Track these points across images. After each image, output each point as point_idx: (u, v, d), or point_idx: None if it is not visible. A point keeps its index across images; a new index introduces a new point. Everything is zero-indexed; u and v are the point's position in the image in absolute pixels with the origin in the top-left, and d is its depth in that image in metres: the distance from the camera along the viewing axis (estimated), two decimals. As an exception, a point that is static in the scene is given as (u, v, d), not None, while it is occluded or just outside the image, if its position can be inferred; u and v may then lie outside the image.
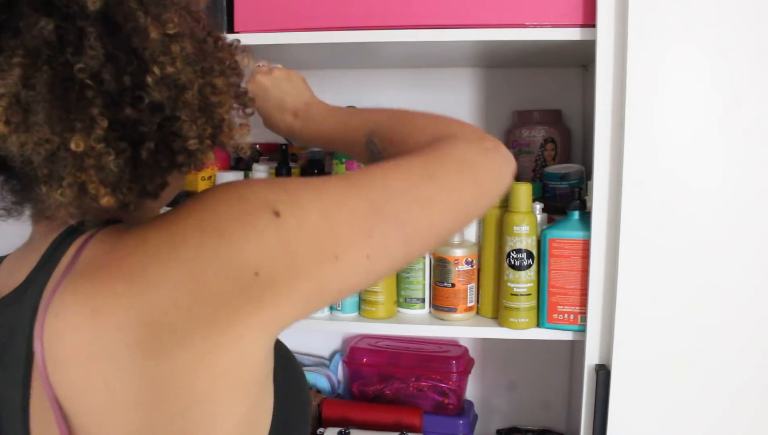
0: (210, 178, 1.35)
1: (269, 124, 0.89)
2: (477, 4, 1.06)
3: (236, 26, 1.14)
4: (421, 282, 1.17)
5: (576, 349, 1.36)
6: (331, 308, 1.17)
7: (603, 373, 1.02)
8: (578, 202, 1.07)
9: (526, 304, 1.09)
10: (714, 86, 0.96)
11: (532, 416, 1.51)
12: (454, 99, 1.49)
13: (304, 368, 1.51)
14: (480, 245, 1.14)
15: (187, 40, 0.51)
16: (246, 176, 1.36)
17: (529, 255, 1.07)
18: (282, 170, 1.36)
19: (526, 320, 1.09)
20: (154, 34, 0.48)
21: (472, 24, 1.06)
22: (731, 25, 0.93)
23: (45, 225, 0.55)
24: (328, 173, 1.39)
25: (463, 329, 1.12)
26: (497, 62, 1.42)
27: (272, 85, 0.90)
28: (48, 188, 0.48)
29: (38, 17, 0.45)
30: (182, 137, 0.51)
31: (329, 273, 0.51)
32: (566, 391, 1.49)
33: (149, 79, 0.48)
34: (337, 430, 1.32)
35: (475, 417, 1.46)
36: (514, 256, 1.07)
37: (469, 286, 1.12)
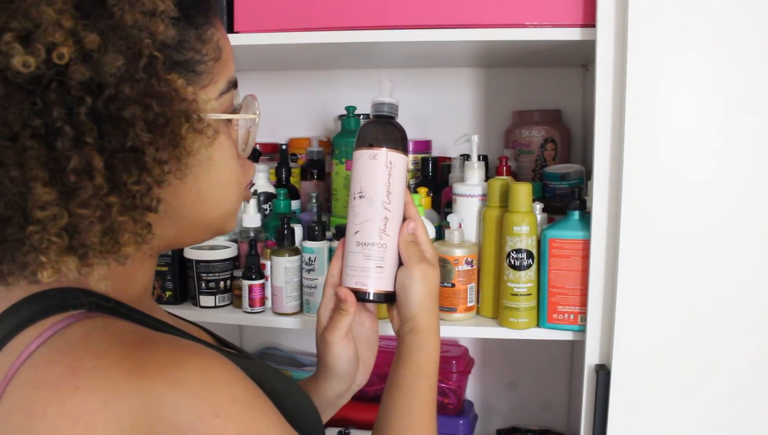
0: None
1: (407, 297, 0.75)
2: (477, 4, 1.06)
3: (236, 26, 1.14)
4: (421, 282, 1.17)
5: (576, 349, 1.36)
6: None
7: (603, 373, 1.02)
8: (578, 202, 1.07)
9: (526, 304, 1.09)
10: (714, 86, 0.96)
11: (532, 416, 1.51)
12: (454, 99, 1.49)
13: (304, 368, 1.50)
14: (480, 245, 1.14)
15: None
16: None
17: (529, 255, 1.07)
18: (282, 170, 1.37)
19: (526, 320, 1.09)
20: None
21: (472, 24, 1.06)
22: (731, 26, 0.93)
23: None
24: (328, 174, 1.39)
25: (463, 329, 1.12)
26: (497, 62, 1.42)
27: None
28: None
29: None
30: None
31: None
32: (566, 391, 1.50)
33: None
34: (337, 430, 1.32)
35: (475, 417, 1.46)
36: (514, 256, 1.07)
37: (469, 286, 1.12)
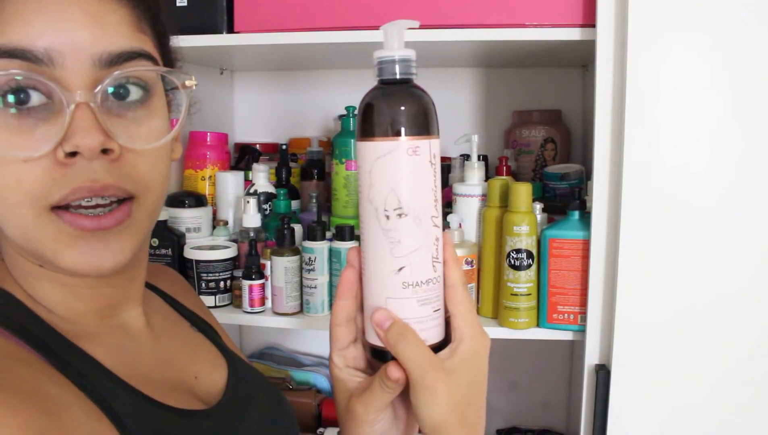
0: (210, 177, 1.35)
1: (423, 409, 0.51)
2: (477, 4, 1.06)
3: (236, 26, 1.14)
4: (421, 282, 1.17)
5: (576, 349, 1.36)
6: (332, 308, 1.17)
7: (603, 373, 1.02)
8: (578, 202, 1.07)
9: (526, 304, 1.09)
10: (714, 86, 0.96)
11: (532, 416, 1.51)
12: (454, 99, 1.50)
13: (304, 368, 1.50)
14: (480, 245, 1.14)
15: None
16: (246, 177, 1.36)
17: (529, 255, 1.07)
18: (282, 170, 1.37)
19: (526, 320, 1.09)
20: None
21: (472, 24, 1.06)
22: (731, 26, 0.93)
23: None
24: (328, 174, 1.39)
25: (463, 329, 1.12)
26: (497, 62, 1.42)
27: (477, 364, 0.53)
28: None
29: None
30: None
31: None
32: (566, 391, 1.50)
33: None
34: (337, 429, 1.32)
35: (475, 417, 1.46)
36: (514, 256, 1.07)
37: (469, 286, 1.12)
